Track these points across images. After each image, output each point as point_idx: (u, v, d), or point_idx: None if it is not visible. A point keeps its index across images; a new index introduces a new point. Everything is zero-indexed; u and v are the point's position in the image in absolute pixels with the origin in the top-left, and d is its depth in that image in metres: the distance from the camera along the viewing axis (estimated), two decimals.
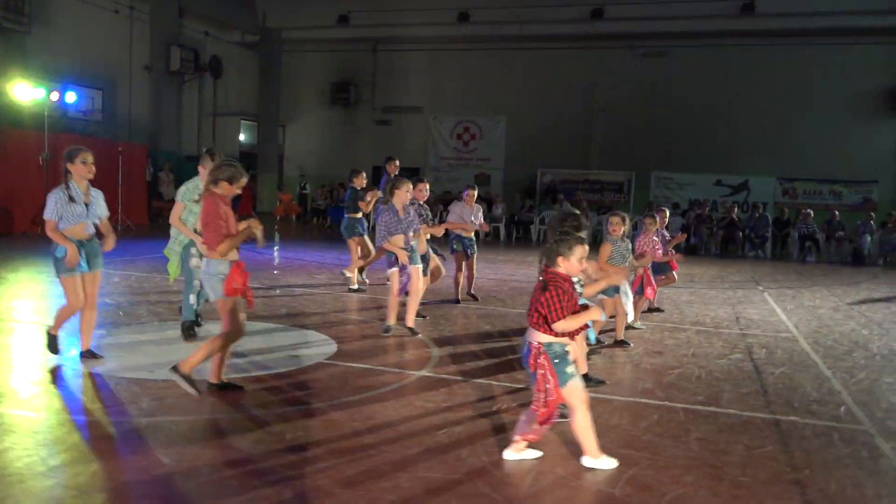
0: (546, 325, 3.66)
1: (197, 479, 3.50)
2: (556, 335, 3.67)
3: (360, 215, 9.31)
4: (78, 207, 5.01)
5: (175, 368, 4.54)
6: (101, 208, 5.22)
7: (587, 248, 3.86)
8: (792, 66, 21.62)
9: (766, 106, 21.88)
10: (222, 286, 4.53)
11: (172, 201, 6.11)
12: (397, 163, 9.89)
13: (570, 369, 3.69)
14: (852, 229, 17.14)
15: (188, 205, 5.83)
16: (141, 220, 18.15)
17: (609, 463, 3.81)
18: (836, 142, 21.34)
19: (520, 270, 12.67)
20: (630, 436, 4.35)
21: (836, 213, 18.00)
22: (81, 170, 5.03)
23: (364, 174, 9.70)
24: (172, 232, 6.06)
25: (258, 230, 4.64)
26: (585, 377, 5.30)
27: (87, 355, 5.38)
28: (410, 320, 6.82)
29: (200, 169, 5.82)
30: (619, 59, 23.33)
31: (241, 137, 25.91)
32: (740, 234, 17.69)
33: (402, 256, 6.56)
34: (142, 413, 4.39)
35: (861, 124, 21.29)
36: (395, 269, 6.66)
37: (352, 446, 4.01)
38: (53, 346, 5.40)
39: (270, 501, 3.29)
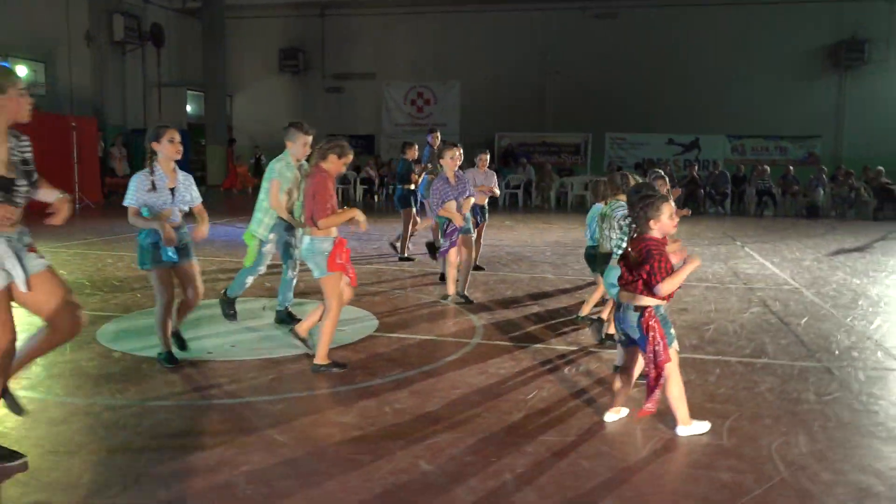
0: (649, 290, 3.77)
1: (324, 456, 3.51)
2: (662, 298, 3.79)
3: (412, 187, 9.31)
4: (162, 194, 4.63)
5: (316, 367, 4.76)
6: (190, 193, 4.80)
7: (672, 202, 3.99)
8: (738, 26, 22.22)
9: (714, 65, 22.45)
10: (326, 263, 4.51)
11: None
12: (438, 134, 9.85)
13: (672, 331, 3.82)
14: (805, 183, 17.93)
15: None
16: (95, 198, 17.44)
17: (702, 427, 3.88)
18: (781, 99, 22.14)
19: (504, 234, 12.79)
20: (706, 391, 4.55)
21: (791, 168, 18.78)
22: (169, 149, 4.58)
23: (416, 146, 9.65)
24: (258, 215, 5.72)
25: (361, 216, 4.70)
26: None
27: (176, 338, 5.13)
28: (464, 287, 7.01)
29: (289, 143, 5.61)
30: (572, 21, 23.49)
31: (189, 108, 25.06)
32: (701, 191, 18.26)
33: (457, 219, 6.65)
34: (226, 394, 4.35)
35: (804, 81, 22.13)
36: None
37: (454, 413, 4.08)
38: (171, 357, 4.90)
39: (413, 473, 3.33)
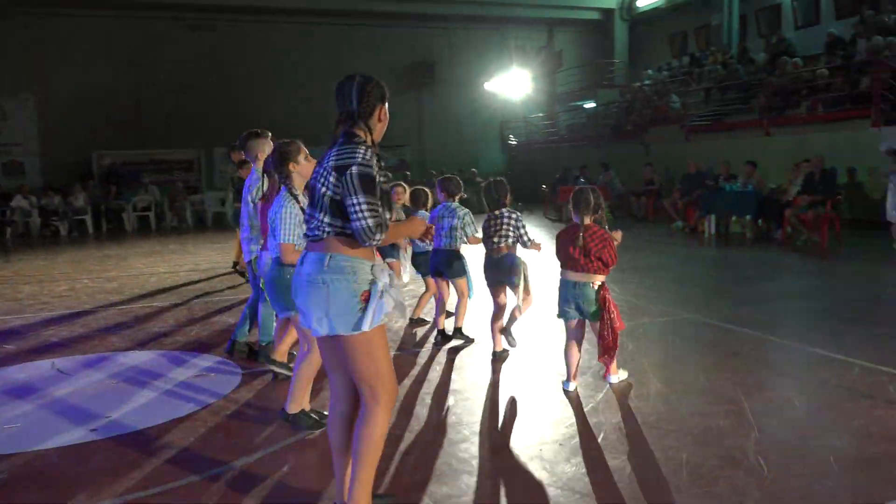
0: (603, 268, 4.42)
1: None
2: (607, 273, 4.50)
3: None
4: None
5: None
6: None
7: None
8: (337, 42, 23.86)
9: (314, 79, 23.62)
10: None
11: None
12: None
13: None
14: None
15: None
16: None
17: (624, 375, 4.74)
18: None
19: (184, 260, 11.87)
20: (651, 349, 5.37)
21: (408, 173, 21.07)
22: (306, 168, 3.92)
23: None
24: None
25: None
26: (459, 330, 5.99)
27: None
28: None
29: (260, 155, 5.25)
30: (165, 32, 22.34)
31: None
32: None
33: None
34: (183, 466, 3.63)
35: (394, 96, 24.77)
36: None
37: (432, 424, 4.14)
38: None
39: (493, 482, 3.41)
